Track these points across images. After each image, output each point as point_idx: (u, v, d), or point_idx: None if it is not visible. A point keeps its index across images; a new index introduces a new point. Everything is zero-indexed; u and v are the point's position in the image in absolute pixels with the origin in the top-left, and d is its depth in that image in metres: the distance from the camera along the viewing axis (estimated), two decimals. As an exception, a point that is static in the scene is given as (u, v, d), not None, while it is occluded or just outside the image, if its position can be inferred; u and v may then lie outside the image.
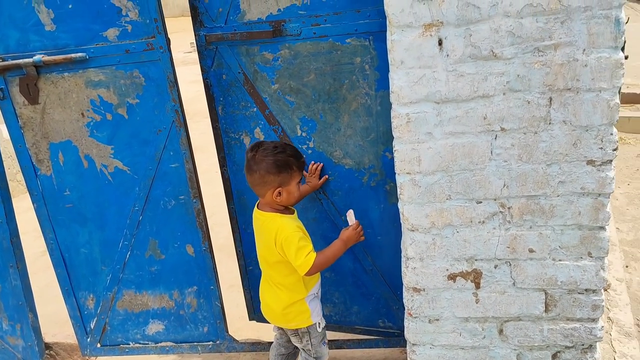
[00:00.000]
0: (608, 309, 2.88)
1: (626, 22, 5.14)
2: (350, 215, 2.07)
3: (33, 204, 2.41)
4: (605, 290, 3.01)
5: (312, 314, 2.10)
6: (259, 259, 2.13)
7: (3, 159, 2.44)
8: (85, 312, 2.59)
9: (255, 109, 2.23)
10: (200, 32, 2.18)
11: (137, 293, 2.54)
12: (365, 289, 2.42)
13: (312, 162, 2.24)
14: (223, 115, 2.29)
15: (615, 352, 2.57)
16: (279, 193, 1.95)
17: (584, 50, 1.51)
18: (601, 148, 1.59)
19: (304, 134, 2.22)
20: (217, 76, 2.23)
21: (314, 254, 1.93)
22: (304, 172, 2.21)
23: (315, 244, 2.07)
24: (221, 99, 2.26)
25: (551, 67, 1.53)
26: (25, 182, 2.39)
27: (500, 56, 1.55)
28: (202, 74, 2.25)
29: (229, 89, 2.24)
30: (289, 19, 2.05)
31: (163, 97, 2.21)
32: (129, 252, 2.46)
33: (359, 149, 2.17)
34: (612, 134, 1.57)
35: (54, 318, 3.15)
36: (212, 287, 2.49)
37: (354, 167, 2.21)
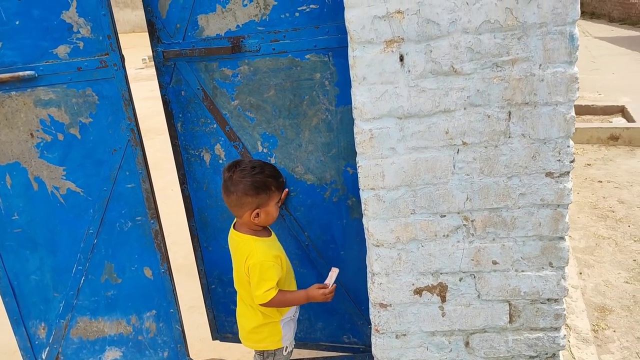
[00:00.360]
0: (566, 316, 2.95)
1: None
2: (332, 276, 1.99)
3: (-22, 229, 2.29)
4: (562, 297, 3.09)
5: (283, 338, 2.05)
6: (234, 278, 2.07)
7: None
8: (37, 342, 2.46)
9: (215, 125, 2.19)
10: (157, 48, 2.14)
11: (92, 319, 2.43)
12: (329, 305, 2.40)
13: None
14: (182, 131, 2.24)
15: (575, 358, 2.63)
16: (257, 214, 1.88)
17: (540, 65, 1.54)
18: (559, 160, 1.62)
19: (265, 150, 2.19)
20: (175, 92, 2.19)
21: (274, 292, 1.86)
22: None
23: None
24: (180, 115, 2.22)
25: (509, 82, 1.57)
26: (-30, 207, 2.26)
27: (460, 72, 1.57)
28: (161, 90, 2.21)
29: (188, 105, 2.19)
30: (248, 35, 2.03)
31: (118, 116, 2.14)
32: (83, 277, 2.35)
33: (321, 164, 2.16)
34: (568, 147, 1.61)
35: (4, 350, 2.99)
36: (171, 310, 2.41)
37: (315, 182, 2.20)
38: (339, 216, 2.23)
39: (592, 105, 6.25)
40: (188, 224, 2.42)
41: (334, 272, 1.97)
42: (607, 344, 2.82)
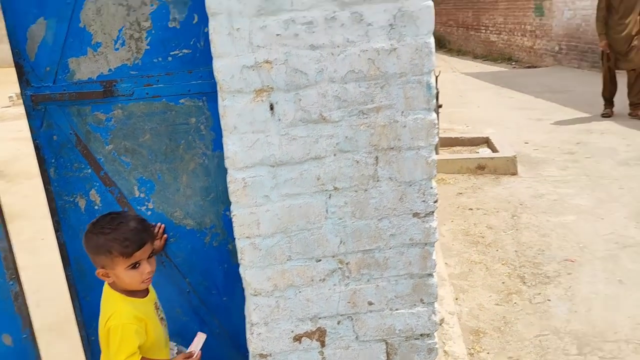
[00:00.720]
0: (443, 342, 3.08)
1: (438, 75, 5.69)
2: (198, 342, 1.91)
3: None
4: (440, 324, 3.23)
5: None
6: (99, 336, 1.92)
7: None
8: None
9: (89, 171, 2.09)
10: (27, 92, 2.02)
11: (-62, 396, 2.14)
12: (213, 352, 2.31)
13: (153, 224, 2.10)
14: (56, 177, 2.11)
15: (453, 383, 2.75)
16: (105, 275, 1.76)
17: (402, 112, 1.63)
18: (424, 201, 1.71)
19: (142, 195, 2.12)
20: (47, 137, 2.06)
21: (137, 358, 1.74)
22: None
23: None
24: (53, 160, 2.10)
25: (375, 128, 1.63)
26: None
27: (328, 119, 1.61)
28: (32, 135, 2.08)
29: (61, 150, 2.08)
30: (121, 79, 1.97)
31: (-33, 166, 1.94)
32: None
33: (200, 208, 2.11)
34: (432, 188, 1.71)
35: None
36: (35, 377, 2.19)
37: (195, 227, 2.14)
38: (220, 261, 2.18)
39: (461, 137, 6.73)
40: (65, 273, 2.26)
41: (200, 338, 1.88)
42: (482, 366, 2.98)
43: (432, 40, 1.58)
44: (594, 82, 10.55)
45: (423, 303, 1.81)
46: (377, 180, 1.68)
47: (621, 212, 4.65)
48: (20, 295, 2.09)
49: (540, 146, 6.62)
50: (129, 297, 1.80)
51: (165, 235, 2.12)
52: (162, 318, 1.95)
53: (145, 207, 2.12)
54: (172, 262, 2.18)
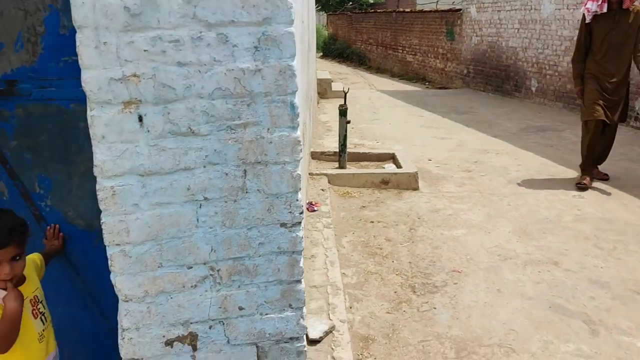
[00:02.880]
0: (332, 349, 3.21)
1: (347, 92, 5.94)
2: None
3: None
4: (331, 332, 3.36)
5: None
6: None
7: None
8: None
9: None
10: None
11: None
12: (106, 349, 2.37)
13: (49, 226, 2.22)
14: None
15: (337, 388, 2.88)
16: None
17: (268, 129, 1.74)
18: (290, 212, 1.83)
19: (42, 192, 2.20)
20: None
21: None
22: (44, 240, 2.21)
23: (57, 301, 2.11)
24: None
25: (243, 143, 1.73)
26: None
27: (197, 133, 1.70)
28: None
29: None
30: (21, 80, 2.05)
31: None
32: None
33: (89, 211, 2.17)
34: (297, 200, 1.83)
35: None
36: None
37: (86, 228, 2.21)
38: (108, 264, 2.22)
39: (369, 152, 6.99)
40: None
41: None
42: (368, 371, 3.13)
43: (294, 63, 1.70)
44: (496, 104, 11.29)
45: (292, 308, 1.92)
46: (246, 192, 1.78)
47: (507, 227, 5.01)
48: None
49: (441, 163, 7.00)
50: None
51: (61, 234, 2.21)
52: (41, 313, 1.97)
53: (44, 204, 2.20)
54: (67, 259, 2.25)
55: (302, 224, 1.86)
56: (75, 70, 2.00)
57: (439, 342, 3.36)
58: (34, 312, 1.94)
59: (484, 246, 4.62)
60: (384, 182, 6.08)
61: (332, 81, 12.42)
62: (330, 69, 17.22)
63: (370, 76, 17.67)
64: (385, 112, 10.71)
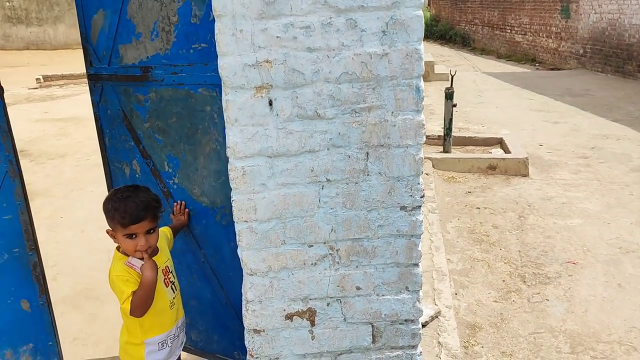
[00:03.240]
0: (438, 334, 3.20)
1: (454, 74, 5.84)
2: None
3: None
4: (437, 317, 3.35)
5: None
6: None
7: None
8: None
9: (132, 143, 2.38)
10: (89, 71, 2.38)
11: (-37, 356, 2.34)
12: (222, 320, 2.53)
13: (176, 202, 2.39)
14: (109, 146, 2.46)
15: (444, 373, 2.87)
16: (112, 236, 1.99)
17: (392, 112, 1.75)
18: (411, 196, 1.83)
19: (170, 170, 2.37)
20: (103, 111, 2.40)
21: (130, 298, 1.93)
22: (171, 215, 2.39)
23: (180, 272, 2.26)
24: (107, 131, 2.44)
25: (366, 126, 1.76)
26: None
27: (323, 116, 1.74)
28: (93, 108, 2.46)
29: (113, 123, 2.40)
30: (155, 66, 2.22)
31: (-4, 147, 2.13)
32: (-46, 311, 2.27)
33: (212, 189, 2.30)
34: (419, 184, 1.83)
35: None
36: (50, 342, 2.38)
37: (209, 205, 2.35)
38: (227, 239, 2.35)
39: (475, 137, 6.79)
40: None
41: None
42: (475, 359, 3.09)
43: (421, 47, 1.69)
44: (616, 86, 10.46)
45: (408, 291, 1.93)
46: (368, 174, 1.81)
47: (628, 218, 4.69)
48: (38, 265, 2.28)
49: (554, 149, 6.65)
50: (126, 257, 2.00)
51: (187, 210, 2.37)
52: (172, 282, 2.14)
53: (172, 181, 2.37)
54: (191, 233, 2.42)
55: (422, 208, 1.86)
56: (203, 56, 2.12)
57: (552, 335, 3.24)
58: (166, 281, 2.10)
59: (602, 238, 4.36)
60: (491, 168, 5.89)
61: (434, 64, 12.14)
62: (432, 51, 16.80)
63: (475, 58, 17.03)
64: (491, 95, 10.31)
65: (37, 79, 13.20)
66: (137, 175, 2.46)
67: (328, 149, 1.77)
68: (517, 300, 3.62)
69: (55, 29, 18.95)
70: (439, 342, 3.11)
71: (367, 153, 1.79)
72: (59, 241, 4.44)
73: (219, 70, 1.70)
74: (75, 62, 16.08)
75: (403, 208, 1.85)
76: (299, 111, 1.73)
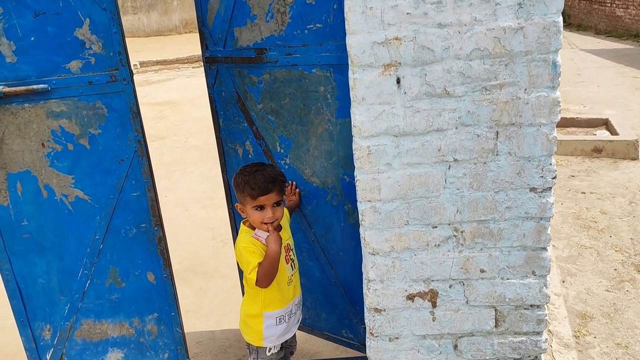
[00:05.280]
0: (548, 322, 3.08)
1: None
2: None
3: (-12, 234, 2.37)
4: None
5: (264, 339, 2.17)
6: None
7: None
8: (41, 344, 2.55)
9: (245, 125, 2.45)
10: (205, 54, 2.46)
11: (96, 322, 2.52)
12: (331, 299, 2.56)
13: (288, 182, 2.42)
14: (223, 127, 2.54)
15: (556, 362, 2.77)
16: (241, 210, 2.09)
17: (526, 89, 1.68)
18: (542, 177, 1.76)
19: (282, 151, 2.42)
20: (218, 93, 2.48)
21: (256, 268, 2.00)
22: (284, 196, 2.41)
23: None
24: (222, 112, 2.52)
25: (497, 104, 1.70)
26: (-20, 213, 2.35)
27: (452, 94, 1.70)
28: (208, 90, 2.55)
29: (227, 104, 2.48)
30: (269, 48, 2.25)
31: (126, 128, 2.25)
32: (88, 281, 2.45)
33: (324, 170, 2.32)
34: (551, 164, 1.75)
35: (5, 350, 3.08)
36: (173, 313, 2.52)
37: (320, 185, 2.38)
38: (338, 219, 2.38)
39: (577, 117, 6.42)
40: (227, 208, 2.74)
41: None
42: (587, 349, 2.95)
43: (560, 19, 1.61)
44: None
45: (535, 275, 1.87)
46: (496, 154, 1.75)
47: None
48: (162, 240, 2.41)
49: (666, 130, 6.18)
50: (252, 230, 2.09)
51: (298, 191, 2.42)
52: (292, 259, 2.22)
53: (283, 162, 2.42)
54: (302, 212, 2.46)
55: (553, 190, 1.79)
56: (318, 37, 2.13)
57: (673, 328, 3.03)
58: (287, 257, 2.16)
59: None
60: (597, 150, 5.56)
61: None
62: (524, 28, 16.00)
63: (570, 34, 16.08)
64: (591, 73, 9.71)
65: (133, 65, 13.92)
66: (249, 156, 2.52)
67: (456, 128, 1.73)
68: (632, 291, 3.42)
69: (148, 16, 19.93)
70: (549, 331, 3.00)
71: (497, 132, 1.73)
72: (165, 219, 4.66)
73: (347, 48, 1.70)
74: (167, 48, 16.78)
75: (533, 189, 1.78)
76: (427, 89, 1.70)
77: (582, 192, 4.85)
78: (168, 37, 20.09)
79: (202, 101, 9.30)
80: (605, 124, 6.21)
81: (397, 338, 1.98)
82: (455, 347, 1.98)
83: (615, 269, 3.66)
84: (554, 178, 1.76)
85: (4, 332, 3.19)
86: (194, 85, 11.07)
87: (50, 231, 2.38)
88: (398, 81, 1.70)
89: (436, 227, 1.85)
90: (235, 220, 2.65)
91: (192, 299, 3.54)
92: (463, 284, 1.90)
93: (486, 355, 1.97)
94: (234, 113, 2.50)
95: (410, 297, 1.92)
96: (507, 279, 1.88)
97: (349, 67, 1.73)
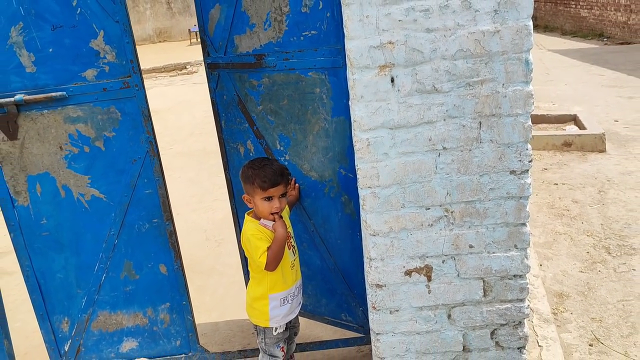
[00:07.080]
0: (529, 300, 3.34)
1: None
2: None
3: (10, 233, 2.52)
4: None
5: (270, 320, 2.36)
6: None
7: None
8: (60, 336, 2.70)
9: (246, 125, 2.63)
10: (207, 61, 2.62)
11: (111, 313, 2.69)
12: (330, 285, 2.75)
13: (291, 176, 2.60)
14: (225, 128, 2.70)
15: (537, 335, 3.02)
16: (248, 201, 2.28)
17: (503, 84, 1.92)
18: (520, 160, 2.00)
19: (281, 148, 2.60)
20: (220, 96, 2.65)
21: (266, 253, 2.21)
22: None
23: None
24: (223, 115, 2.68)
25: (479, 98, 1.94)
26: (2, 213, 2.50)
27: (440, 90, 1.94)
28: (210, 94, 2.72)
29: (228, 107, 2.64)
30: (268, 54, 2.43)
31: (138, 130, 2.44)
32: (104, 275, 2.61)
33: (321, 164, 2.52)
34: (527, 149, 2.00)
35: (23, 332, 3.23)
36: (184, 302, 2.69)
37: (318, 179, 2.57)
38: (335, 210, 2.59)
39: (547, 114, 6.77)
40: (230, 204, 2.89)
41: None
42: (565, 324, 3.21)
43: (530, 23, 1.85)
44: (693, 58, 10.05)
45: (517, 248, 2.11)
46: (480, 142, 1.99)
47: None
48: (173, 233, 2.59)
49: (630, 124, 6.56)
50: (256, 220, 2.29)
51: (297, 185, 2.60)
52: (293, 245, 2.42)
53: (283, 158, 2.60)
54: (301, 205, 2.65)
55: (530, 171, 2.03)
56: (313, 42, 2.34)
57: (642, 302, 3.31)
58: (288, 244, 2.36)
59: (687, 209, 4.35)
60: (567, 144, 5.89)
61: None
62: (494, 31, 16.47)
63: (538, 35, 16.61)
64: (559, 72, 10.13)
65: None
66: (250, 154, 2.71)
67: (444, 120, 1.97)
68: (603, 271, 3.70)
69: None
70: (530, 308, 3.25)
71: (480, 122, 1.97)
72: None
73: (347, 52, 1.92)
74: (142, 57, 16.77)
75: (512, 172, 2.02)
76: (418, 86, 1.93)
77: (555, 184, 5.16)
78: (142, 46, 20.10)
79: (182, 109, 9.45)
80: (574, 119, 6.56)
81: (397, 310, 2.20)
82: (449, 316, 2.21)
83: (588, 252, 3.94)
84: (530, 161, 2.00)
85: (12, 333, 3.32)
86: (172, 93, 11.18)
87: (68, 229, 2.54)
88: (392, 80, 1.93)
89: (429, 208, 2.07)
90: (238, 213, 2.83)
91: (193, 295, 3.67)
92: (454, 259, 2.13)
93: (476, 323, 2.20)
94: (235, 115, 2.67)
95: (408, 273, 2.15)
96: (493, 252, 2.12)
97: (349, 68, 1.96)
